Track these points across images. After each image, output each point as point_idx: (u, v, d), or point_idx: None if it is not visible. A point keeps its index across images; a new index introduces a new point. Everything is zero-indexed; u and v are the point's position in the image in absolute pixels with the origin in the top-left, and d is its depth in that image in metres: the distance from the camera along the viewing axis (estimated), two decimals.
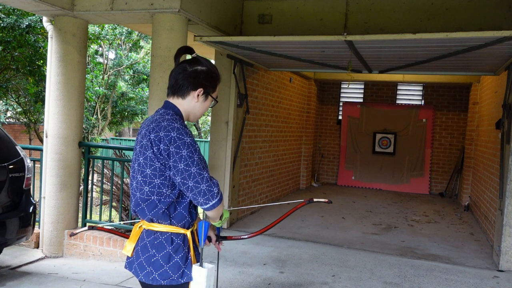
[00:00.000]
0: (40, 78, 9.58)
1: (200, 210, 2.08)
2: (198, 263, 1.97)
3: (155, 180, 1.89)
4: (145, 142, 1.90)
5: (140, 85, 15.08)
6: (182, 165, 1.82)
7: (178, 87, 1.98)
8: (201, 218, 2.05)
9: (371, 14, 5.32)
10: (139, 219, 2.00)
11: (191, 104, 2.01)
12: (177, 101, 2.00)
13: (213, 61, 6.95)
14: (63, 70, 4.96)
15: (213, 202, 1.85)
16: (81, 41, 5.06)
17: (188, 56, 2.08)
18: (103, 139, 14.89)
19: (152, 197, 1.91)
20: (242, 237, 2.51)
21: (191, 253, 1.96)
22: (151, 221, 1.94)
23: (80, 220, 5.25)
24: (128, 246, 1.99)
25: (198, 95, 2.00)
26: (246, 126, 6.70)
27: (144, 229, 1.96)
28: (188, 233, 1.96)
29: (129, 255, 1.99)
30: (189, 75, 1.97)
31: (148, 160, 1.89)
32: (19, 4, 4.62)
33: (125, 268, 2.05)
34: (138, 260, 1.94)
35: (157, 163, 1.87)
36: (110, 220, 5.51)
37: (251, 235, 2.47)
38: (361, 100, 11.04)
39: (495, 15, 4.87)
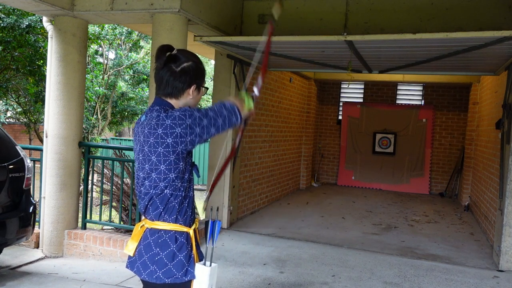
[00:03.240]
0: (40, 78, 9.58)
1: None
2: (202, 262, 1.98)
3: (170, 175, 1.90)
4: (153, 140, 1.89)
5: (140, 85, 15.08)
6: (201, 125, 1.88)
7: (170, 89, 1.97)
8: (213, 218, 2.05)
9: (371, 14, 5.32)
10: (146, 216, 2.00)
11: (185, 101, 2.01)
12: (170, 100, 2.00)
13: (213, 61, 6.94)
14: (63, 70, 4.96)
15: (239, 116, 1.96)
16: (81, 41, 5.06)
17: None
18: (103, 139, 14.89)
19: (166, 191, 1.92)
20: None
21: (193, 251, 1.97)
22: (159, 217, 1.94)
23: (80, 220, 5.25)
24: (130, 246, 1.99)
25: (192, 92, 2.00)
26: (246, 125, 6.70)
27: (147, 228, 1.96)
28: (191, 231, 1.98)
29: (131, 255, 1.99)
30: (179, 75, 1.95)
31: (161, 156, 1.88)
32: (19, 4, 4.62)
33: (126, 268, 2.04)
34: (141, 259, 1.94)
35: (172, 156, 1.88)
36: (110, 220, 5.51)
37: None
38: (361, 100, 11.04)
39: (495, 15, 4.87)
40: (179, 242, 1.93)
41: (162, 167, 1.90)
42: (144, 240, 1.96)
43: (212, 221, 2.02)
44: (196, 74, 1.99)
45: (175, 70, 1.95)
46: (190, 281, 1.94)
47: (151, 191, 1.94)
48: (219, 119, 1.90)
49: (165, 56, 1.94)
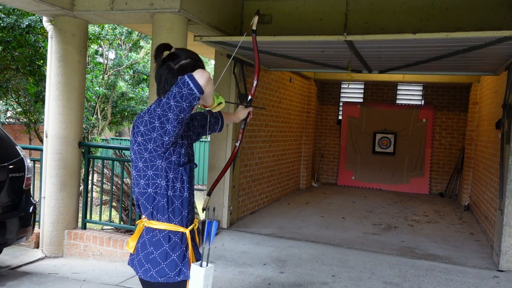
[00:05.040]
0: (40, 78, 9.58)
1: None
2: (198, 262, 1.98)
3: (148, 172, 1.91)
4: (131, 139, 1.95)
5: (140, 85, 15.08)
6: (156, 117, 1.83)
7: (169, 87, 1.95)
8: (210, 218, 2.06)
9: (371, 14, 5.32)
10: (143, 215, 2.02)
11: None
12: None
13: (213, 61, 6.94)
14: (63, 70, 4.96)
15: (190, 82, 1.78)
16: (81, 41, 5.06)
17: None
18: (103, 139, 14.89)
19: (148, 190, 1.93)
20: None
21: (189, 251, 1.97)
22: (152, 216, 1.95)
23: (80, 220, 5.25)
24: (130, 243, 2.02)
25: None
26: (246, 126, 6.68)
27: (145, 226, 1.98)
28: (187, 231, 1.97)
29: (132, 252, 2.02)
30: (177, 72, 1.95)
31: (137, 154, 1.92)
32: (19, 4, 4.62)
33: (128, 265, 2.07)
34: (137, 257, 1.97)
35: (145, 153, 1.90)
36: (110, 220, 5.51)
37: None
38: (361, 100, 11.04)
39: (495, 15, 4.87)
40: (172, 242, 1.93)
41: (140, 164, 1.93)
42: (141, 238, 1.99)
43: (208, 222, 2.02)
44: (193, 71, 1.95)
45: (173, 67, 1.95)
46: (184, 281, 1.94)
47: (135, 189, 1.98)
48: (171, 101, 1.78)
49: (163, 55, 1.95)
